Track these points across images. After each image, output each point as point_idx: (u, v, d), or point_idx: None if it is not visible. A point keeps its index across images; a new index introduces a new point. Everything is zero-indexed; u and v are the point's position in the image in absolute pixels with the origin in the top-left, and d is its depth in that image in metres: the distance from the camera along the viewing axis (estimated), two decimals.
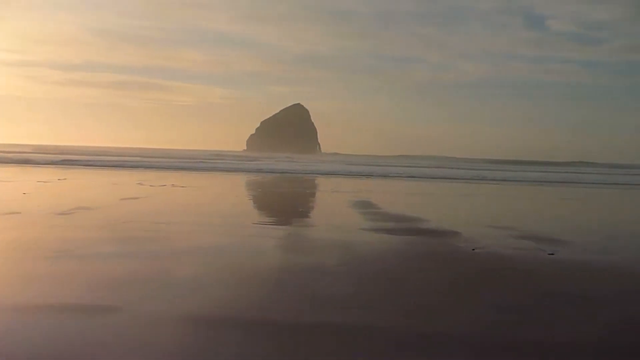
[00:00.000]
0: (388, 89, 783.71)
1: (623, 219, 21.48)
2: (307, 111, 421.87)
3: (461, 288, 8.26)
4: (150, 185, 26.75)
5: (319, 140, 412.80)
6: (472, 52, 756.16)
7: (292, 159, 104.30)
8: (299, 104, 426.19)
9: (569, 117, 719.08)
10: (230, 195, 26.20)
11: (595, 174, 74.67)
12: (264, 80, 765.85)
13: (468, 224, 16.43)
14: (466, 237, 12.88)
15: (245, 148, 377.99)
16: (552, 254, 10.87)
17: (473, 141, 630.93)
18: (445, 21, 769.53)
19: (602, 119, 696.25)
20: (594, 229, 17.01)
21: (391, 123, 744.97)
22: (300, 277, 8.58)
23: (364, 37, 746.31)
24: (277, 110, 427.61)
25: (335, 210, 21.27)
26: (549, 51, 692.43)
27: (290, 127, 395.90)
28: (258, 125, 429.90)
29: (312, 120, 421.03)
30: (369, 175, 48.87)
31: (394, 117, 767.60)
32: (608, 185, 47.61)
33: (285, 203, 23.79)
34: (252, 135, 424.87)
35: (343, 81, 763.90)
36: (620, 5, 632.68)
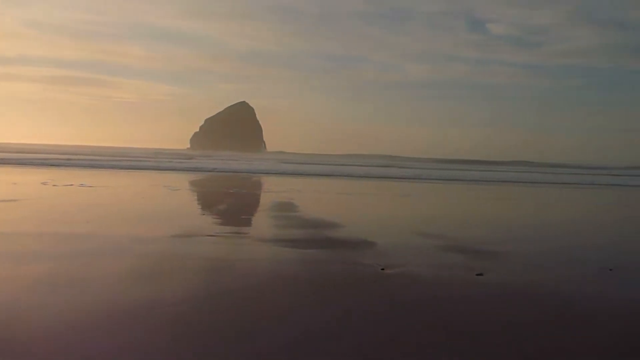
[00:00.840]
0: (334, 88, 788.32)
1: (560, 219, 19.77)
2: (252, 109, 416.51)
3: (347, 331, 5.72)
4: (54, 185, 23.46)
5: (265, 139, 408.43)
6: (417, 53, 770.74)
7: (231, 157, 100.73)
8: (244, 102, 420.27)
9: (510, 118, 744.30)
10: (135, 196, 22.94)
11: (535, 173, 75.29)
12: (209, 77, 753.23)
13: (390, 231, 14.06)
14: (380, 251, 10.42)
15: (188, 146, 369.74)
16: (481, 275, 8.53)
17: (418, 141, 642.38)
18: (390, 22, 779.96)
19: (541, 120, 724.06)
20: (531, 235, 14.92)
21: (337, 122, 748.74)
22: (117, 323, 5.77)
23: (310, 35, 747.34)
24: (222, 108, 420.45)
25: (247, 213, 18.60)
26: (490, 54, 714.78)
27: (235, 125, 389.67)
28: (202, 123, 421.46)
29: (258, 119, 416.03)
30: (308, 175, 46.46)
31: (339, 116, 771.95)
32: (548, 184, 47.01)
33: (191, 206, 20.80)
34: (196, 133, 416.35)
35: (289, 79, 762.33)
36: (557, 11, 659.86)
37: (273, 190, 28.30)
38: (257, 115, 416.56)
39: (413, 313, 6.55)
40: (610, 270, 9.34)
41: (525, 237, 14.19)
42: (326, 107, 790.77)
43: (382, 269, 8.66)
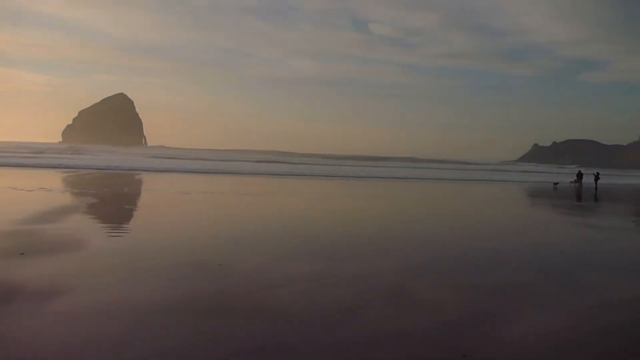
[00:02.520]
0: (220, 82, 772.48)
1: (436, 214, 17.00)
2: (131, 102, 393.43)
3: None
4: None
5: (145, 133, 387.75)
6: (304, 50, 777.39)
7: (96, 152, 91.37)
8: (122, 94, 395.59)
9: (392, 116, 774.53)
10: None
11: (415, 168, 75.45)
12: (88, 67, 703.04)
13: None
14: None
15: (60, 140, 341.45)
16: None
17: (306, 137, 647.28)
18: (279, 18, 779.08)
19: (419, 118, 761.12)
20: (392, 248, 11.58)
21: (223, 117, 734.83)
22: None
23: (197, 27, 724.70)
24: (99, 100, 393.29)
25: None
26: (373, 53, 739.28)
27: (112, 118, 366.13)
28: (76, 115, 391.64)
29: (137, 112, 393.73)
30: (168, 171, 41.47)
31: (226, 111, 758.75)
32: (429, 180, 45.76)
33: None
34: (68, 126, 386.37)
35: (174, 72, 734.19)
36: (433, 14, 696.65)
37: (79, 191, 23.14)
38: (136, 108, 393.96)
39: None
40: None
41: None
42: (212, 101, 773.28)
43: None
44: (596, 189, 39.79)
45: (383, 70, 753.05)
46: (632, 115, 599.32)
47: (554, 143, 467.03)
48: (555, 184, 43.38)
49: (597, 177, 41.93)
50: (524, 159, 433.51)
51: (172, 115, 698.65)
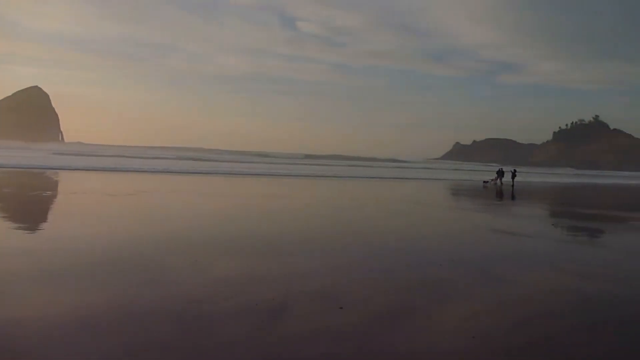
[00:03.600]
0: (144, 77, 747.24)
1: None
2: (46, 95, 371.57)
3: None
4: None
5: (62, 129, 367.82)
6: (232, 46, 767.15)
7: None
8: (36, 87, 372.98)
9: (321, 113, 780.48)
10: None
11: (348, 167, 75.48)
12: (2, 59, 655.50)
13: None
14: None
15: None
16: None
17: (234, 134, 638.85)
18: (205, 12, 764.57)
19: (348, 116, 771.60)
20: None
21: (146, 113, 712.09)
22: None
23: (119, 19, 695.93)
24: (10, 93, 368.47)
25: None
26: (301, 51, 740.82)
27: (25, 112, 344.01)
28: None
29: (54, 106, 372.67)
30: (77, 170, 38.79)
31: (149, 106, 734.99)
32: (364, 179, 45.51)
33: None
34: None
35: (94, 65, 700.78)
36: (360, 14, 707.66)
37: None
38: (52, 103, 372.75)
39: None
40: None
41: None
42: (135, 96, 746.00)
43: None
44: (513, 186, 40.81)
45: (311, 68, 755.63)
46: (545, 116, 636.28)
47: (475, 141, 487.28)
48: (485, 182, 43.44)
49: (514, 175, 42.97)
50: (447, 156, 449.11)
51: (94, 111, 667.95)
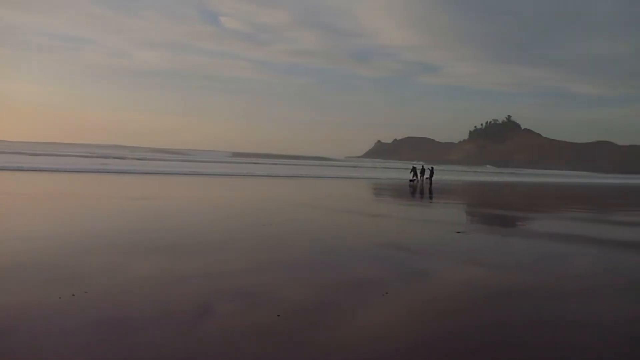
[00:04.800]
0: (56, 70, 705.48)
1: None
2: None
3: None
4: None
5: None
6: (151, 40, 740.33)
7: None
8: None
9: (243, 110, 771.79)
10: None
11: (271, 165, 71.93)
12: None
13: None
14: None
15: None
16: None
17: (152, 130, 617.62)
18: (121, 4, 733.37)
19: (271, 114, 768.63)
20: None
21: (61, 108, 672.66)
22: None
23: (30, 9, 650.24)
24: None
25: None
26: (224, 47, 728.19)
27: None
28: None
29: None
30: None
31: (64, 101, 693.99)
32: (284, 177, 41.19)
33: None
34: None
35: (5, 58, 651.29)
36: (284, 11, 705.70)
37: None
38: None
39: None
40: None
41: None
42: (49, 91, 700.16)
43: None
44: (431, 184, 39.53)
45: (234, 65, 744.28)
46: (462, 116, 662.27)
47: (395, 140, 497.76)
48: (411, 180, 42.46)
49: (432, 173, 41.86)
50: (368, 154, 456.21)
51: (2, 106, 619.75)
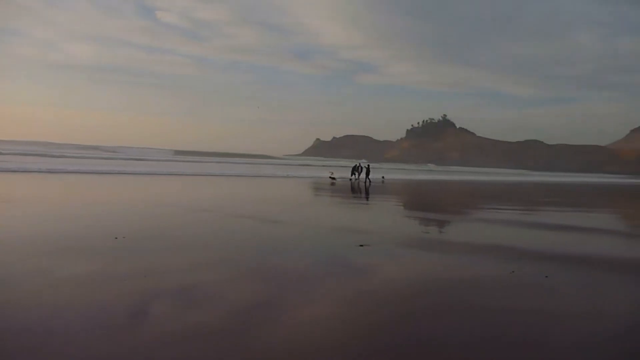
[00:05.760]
0: None
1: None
2: None
3: None
4: None
5: None
6: (83, 33, 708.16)
7: None
8: None
9: (183, 108, 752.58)
10: None
11: (201, 163, 69.17)
12: None
13: None
14: None
15: None
16: None
17: (81, 127, 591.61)
18: None
19: (210, 111, 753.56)
20: None
21: None
22: None
23: None
24: None
25: None
26: (161, 42, 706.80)
27: None
28: None
29: None
30: None
31: None
32: (218, 176, 38.12)
33: None
34: None
35: None
36: (223, 8, 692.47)
37: None
38: None
39: None
40: None
41: None
42: None
43: None
44: (367, 182, 38.90)
45: (171, 61, 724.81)
46: (399, 114, 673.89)
47: (334, 138, 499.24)
48: (351, 179, 41.92)
49: (368, 171, 40.90)
50: (307, 152, 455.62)
51: None
